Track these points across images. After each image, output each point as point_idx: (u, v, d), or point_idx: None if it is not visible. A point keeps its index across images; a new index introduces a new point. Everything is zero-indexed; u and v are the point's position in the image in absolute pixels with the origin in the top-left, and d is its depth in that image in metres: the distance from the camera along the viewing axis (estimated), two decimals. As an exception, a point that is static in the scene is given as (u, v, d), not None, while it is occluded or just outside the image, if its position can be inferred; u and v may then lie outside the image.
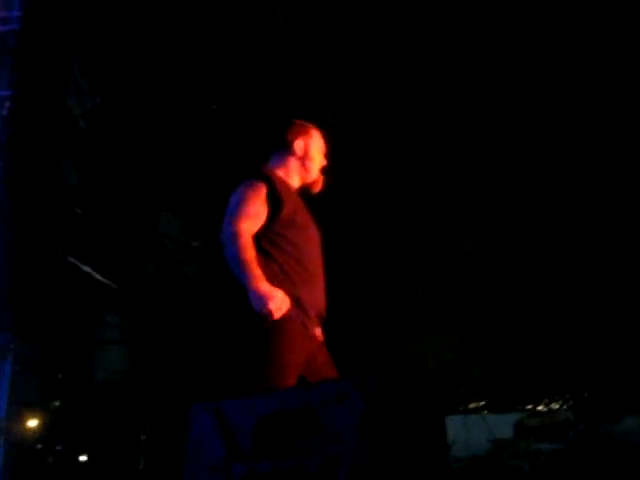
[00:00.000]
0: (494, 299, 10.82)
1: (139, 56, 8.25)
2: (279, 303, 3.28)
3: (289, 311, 3.34)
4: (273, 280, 3.39)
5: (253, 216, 3.53)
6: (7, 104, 7.24)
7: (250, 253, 3.41)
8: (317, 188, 3.90)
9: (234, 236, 3.44)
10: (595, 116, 8.56)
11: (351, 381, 2.35)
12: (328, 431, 2.30)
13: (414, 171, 9.19)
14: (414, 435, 2.48)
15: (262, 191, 3.59)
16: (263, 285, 3.31)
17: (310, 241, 3.71)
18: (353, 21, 7.73)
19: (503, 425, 10.12)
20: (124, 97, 8.37)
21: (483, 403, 11.65)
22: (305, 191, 3.88)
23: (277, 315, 3.27)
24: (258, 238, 3.52)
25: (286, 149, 3.84)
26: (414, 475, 2.37)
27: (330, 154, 3.96)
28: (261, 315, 3.27)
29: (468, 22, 7.87)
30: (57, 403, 8.78)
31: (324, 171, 3.91)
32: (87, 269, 8.12)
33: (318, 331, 3.63)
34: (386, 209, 9.64)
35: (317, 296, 3.64)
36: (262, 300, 3.27)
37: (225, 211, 3.64)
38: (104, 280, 8.35)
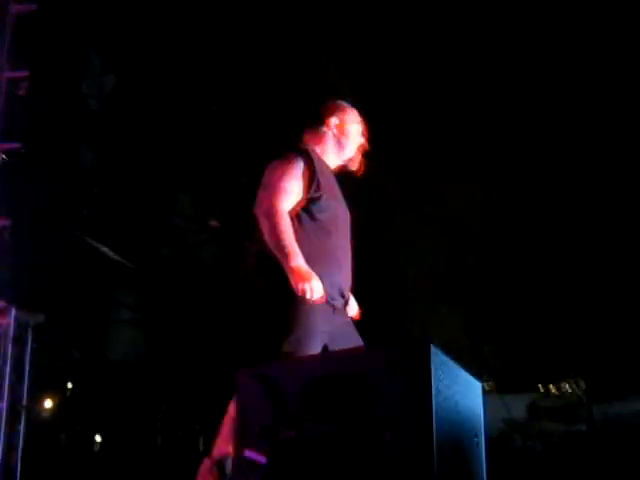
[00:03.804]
0: (504, 282, 10.85)
1: (153, 37, 8.24)
2: (314, 286, 3.31)
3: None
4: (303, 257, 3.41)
5: (289, 192, 3.52)
6: (24, 84, 7.23)
7: (287, 230, 3.41)
8: (355, 166, 3.88)
9: (270, 212, 3.44)
10: (595, 116, 8.56)
11: (400, 347, 2.40)
12: (376, 395, 2.35)
13: (428, 159, 9.21)
14: (455, 401, 2.55)
15: (299, 167, 3.58)
16: (300, 265, 3.34)
17: (339, 222, 3.71)
18: (361, 15, 7.73)
19: (516, 406, 10.18)
20: (139, 78, 8.38)
21: (492, 383, 11.70)
22: (343, 170, 3.87)
23: (311, 296, 3.30)
24: (290, 214, 3.52)
25: (321, 126, 3.84)
26: (458, 438, 2.44)
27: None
28: (295, 290, 3.30)
29: (475, 20, 7.87)
30: (73, 382, 8.83)
31: (363, 151, 3.90)
32: (103, 249, 8.16)
33: (342, 305, 3.65)
34: (399, 195, 9.67)
35: (342, 276, 3.66)
36: (298, 279, 3.30)
37: (260, 184, 3.63)
38: (120, 260, 8.38)
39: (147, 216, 8.47)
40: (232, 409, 3.16)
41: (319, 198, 3.58)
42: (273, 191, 3.52)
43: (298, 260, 3.35)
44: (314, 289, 3.32)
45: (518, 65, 8.29)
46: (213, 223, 8.86)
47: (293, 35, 8.03)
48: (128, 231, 8.38)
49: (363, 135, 3.91)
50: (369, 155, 4.17)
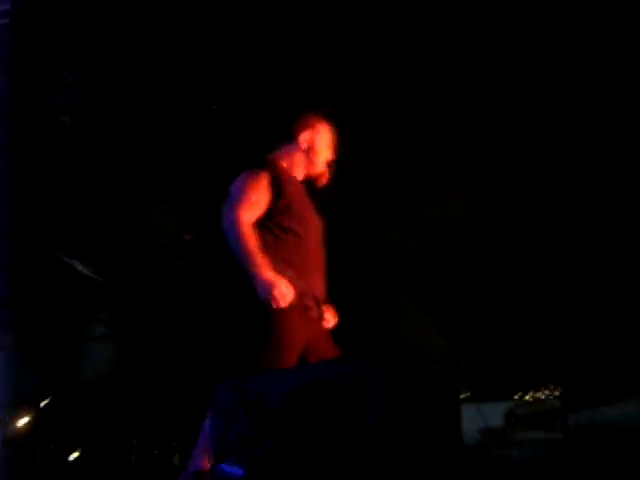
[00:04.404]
0: (478, 290, 10.87)
1: (126, 48, 8.22)
2: (284, 291, 3.32)
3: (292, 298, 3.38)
4: (274, 267, 3.42)
5: (254, 204, 3.56)
6: (-6, 99, 7.19)
7: (252, 241, 3.44)
8: (323, 181, 3.94)
9: (235, 224, 3.47)
10: (594, 116, 8.58)
11: (374, 355, 2.42)
12: (353, 403, 2.36)
13: (411, 162, 9.19)
14: (432, 407, 2.57)
15: (263, 179, 3.63)
16: (267, 273, 3.35)
17: (311, 231, 3.74)
18: (352, 16, 7.72)
19: (493, 414, 10.18)
20: (111, 92, 8.34)
21: (468, 394, 11.70)
22: (310, 184, 3.91)
23: (282, 303, 3.31)
24: (259, 225, 3.54)
25: (291, 142, 3.88)
26: (435, 440, 2.45)
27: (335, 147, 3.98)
28: (265, 302, 3.31)
29: (466, 21, 7.88)
30: (48, 400, 8.74)
31: (330, 165, 3.94)
32: (76, 264, 8.10)
33: (318, 314, 3.66)
34: (382, 200, 9.66)
35: (315, 285, 3.67)
36: (266, 288, 3.31)
37: (226, 199, 3.66)
38: (93, 275, 8.32)
39: (120, 230, 8.42)
40: (208, 423, 3.15)
41: (288, 207, 3.62)
42: (237, 203, 3.57)
43: (264, 269, 3.37)
44: (282, 295, 3.33)
45: (507, 64, 8.30)
46: (187, 237, 8.84)
47: (268, 47, 8.04)
48: (100, 246, 8.32)
49: (332, 150, 3.96)
50: (346, 165, 4.21)
